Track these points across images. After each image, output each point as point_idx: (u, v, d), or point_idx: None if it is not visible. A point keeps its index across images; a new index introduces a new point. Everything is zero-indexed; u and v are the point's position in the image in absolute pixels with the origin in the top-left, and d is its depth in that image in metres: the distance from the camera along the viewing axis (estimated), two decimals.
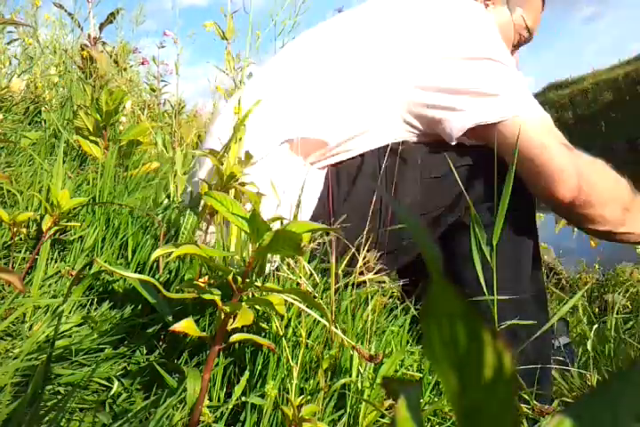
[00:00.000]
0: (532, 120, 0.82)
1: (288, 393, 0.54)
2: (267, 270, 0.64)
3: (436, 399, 0.67)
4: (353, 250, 0.68)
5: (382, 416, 0.57)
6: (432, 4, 0.89)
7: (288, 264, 0.64)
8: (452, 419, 0.64)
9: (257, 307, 0.59)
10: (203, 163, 0.88)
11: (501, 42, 0.89)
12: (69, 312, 0.61)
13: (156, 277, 0.65)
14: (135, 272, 0.50)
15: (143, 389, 0.54)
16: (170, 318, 0.55)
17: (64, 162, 0.92)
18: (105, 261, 0.71)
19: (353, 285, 0.68)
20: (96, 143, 0.97)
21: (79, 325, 0.60)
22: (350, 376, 0.58)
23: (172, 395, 0.49)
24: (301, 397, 0.51)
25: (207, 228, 0.73)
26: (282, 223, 0.59)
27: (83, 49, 1.83)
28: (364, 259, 0.68)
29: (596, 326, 1.01)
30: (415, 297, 0.85)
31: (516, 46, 1.07)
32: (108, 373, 0.54)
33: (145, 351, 0.58)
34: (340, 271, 0.65)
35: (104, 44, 2.14)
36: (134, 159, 1.15)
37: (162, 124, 1.78)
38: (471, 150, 0.87)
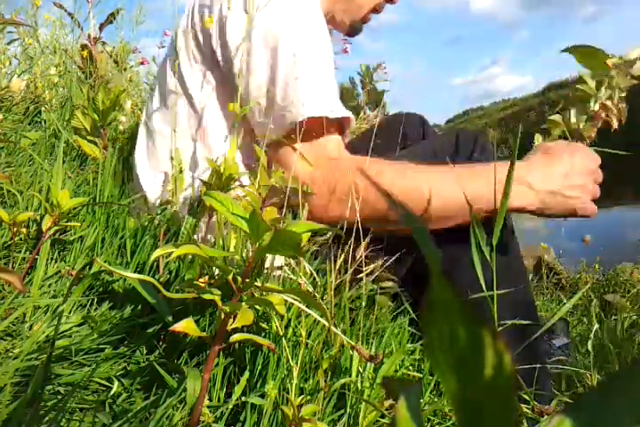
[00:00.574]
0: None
1: (288, 393, 0.54)
2: (272, 270, 0.64)
3: (435, 399, 0.67)
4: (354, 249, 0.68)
5: (382, 416, 0.57)
6: None
7: (289, 264, 0.64)
8: (451, 419, 0.64)
9: (257, 307, 0.59)
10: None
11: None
12: (69, 312, 0.61)
13: (156, 277, 0.65)
14: (135, 272, 0.50)
15: (143, 389, 0.54)
16: (170, 318, 0.55)
17: (64, 162, 0.92)
18: (105, 261, 0.71)
19: (352, 282, 0.68)
20: (94, 143, 0.97)
21: (79, 325, 0.60)
22: (350, 376, 0.58)
23: (172, 395, 0.49)
24: (301, 397, 0.51)
25: (207, 228, 0.73)
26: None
27: (83, 49, 1.83)
28: (359, 257, 0.68)
29: (596, 326, 1.01)
30: (415, 299, 0.85)
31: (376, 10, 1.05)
32: (108, 373, 0.54)
33: (145, 351, 0.58)
34: (335, 269, 0.65)
35: (104, 44, 2.14)
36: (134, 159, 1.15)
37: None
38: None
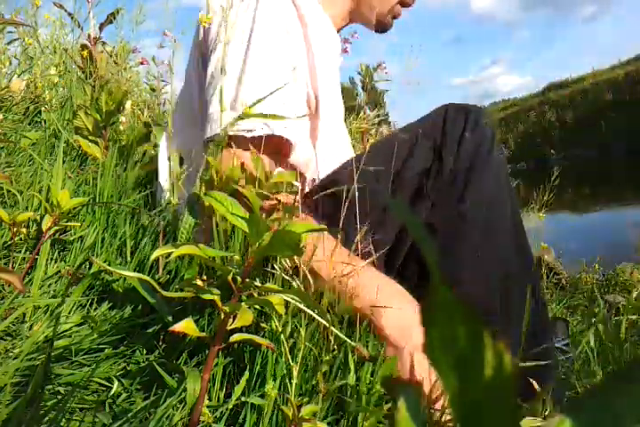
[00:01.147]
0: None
1: (288, 393, 0.54)
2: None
3: None
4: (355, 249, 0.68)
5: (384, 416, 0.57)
6: None
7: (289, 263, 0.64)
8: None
9: (256, 307, 0.59)
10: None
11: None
12: (69, 312, 0.61)
13: (156, 277, 0.65)
14: (135, 272, 0.50)
15: (143, 389, 0.54)
16: (169, 318, 0.55)
17: (64, 162, 0.92)
18: (105, 261, 0.71)
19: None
20: (96, 143, 0.97)
21: (79, 325, 0.60)
22: (349, 375, 0.58)
23: (172, 395, 0.49)
24: (301, 397, 0.51)
25: (206, 227, 0.73)
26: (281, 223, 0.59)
27: (83, 49, 1.83)
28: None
29: (598, 325, 1.01)
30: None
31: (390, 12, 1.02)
32: (108, 373, 0.54)
33: (145, 351, 0.58)
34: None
35: (104, 44, 2.14)
36: (134, 159, 1.15)
37: (163, 125, 1.78)
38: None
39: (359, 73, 2.91)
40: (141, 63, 2.44)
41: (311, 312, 0.57)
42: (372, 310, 0.62)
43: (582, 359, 0.98)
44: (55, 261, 0.70)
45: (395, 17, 1.04)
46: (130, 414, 0.48)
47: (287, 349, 0.56)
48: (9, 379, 0.48)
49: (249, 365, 0.57)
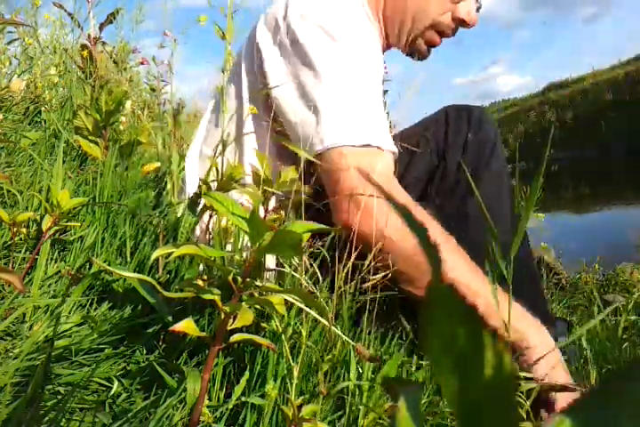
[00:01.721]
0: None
1: (288, 393, 0.54)
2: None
3: (436, 398, 0.67)
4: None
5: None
6: None
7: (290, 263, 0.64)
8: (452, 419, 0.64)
9: (257, 307, 0.59)
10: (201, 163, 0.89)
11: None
12: (69, 312, 0.61)
13: (156, 277, 0.65)
14: (135, 272, 0.50)
15: (143, 389, 0.54)
16: (169, 318, 0.55)
17: (64, 162, 0.92)
18: (105, 261, 0.71)
19: (355, 289, 0.68)
20: (96, 143, 0.97)
21: (79, 325, 0.60)
22: (350, 374, 0.58)
23: (172, 395, 0.49)
24: (301, 397, 0.51)
25: (207, 227, 0.73)
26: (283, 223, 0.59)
27: (83, 49, 1.82)
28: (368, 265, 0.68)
29: (595, 323, 1.01)
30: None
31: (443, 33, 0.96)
32: (108, 373, 0.54)
33: (145, 351, 0.58)
34: (343, 273, 0.65)
35: (104, 44, 2.14)
36: (134, 159, 1.15)
37: (162, 125, 1.78)
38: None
39: None
40: (141, 63, 2.44)
41: (312, 312, 0.57)
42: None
43: (582, 359, 0.98)
44: (55, 261, 0.70)
45: (430, 44, 0.96)
46: (130, 414, 0.48)
47: (288, 349, 0.56)
48: (9, 379, 0.48)
49: (249, 365, 0.57)
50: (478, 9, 0.98)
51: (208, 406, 0.53)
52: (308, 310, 0.56)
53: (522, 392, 0.61)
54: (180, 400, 0.49)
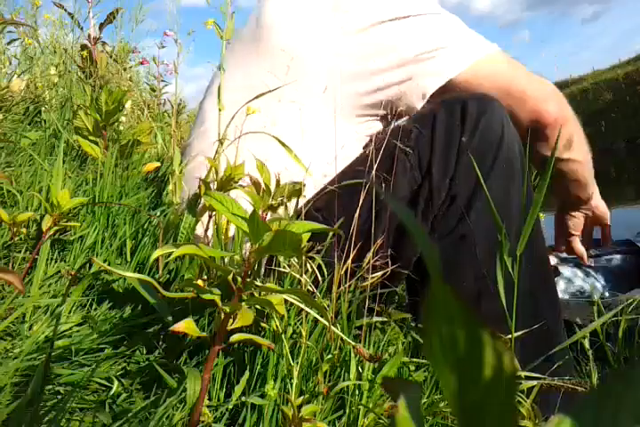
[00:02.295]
0: (492, 57, 0.84)
1: (288, 393, 0.54)
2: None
3: (436, 397, 0.67)
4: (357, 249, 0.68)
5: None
6: None
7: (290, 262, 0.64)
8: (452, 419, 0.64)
9: (257, 307, 0.59)
10: (200, 162, 0.88)
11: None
12: (69, 312, 0.61)
13: (156, 276, 0.65)
14: (135, 272, 0.50)
15: (143, 389, 0.54)
16: (169, 318, 0.55)
17: (64, 162, 0.92)
18: (105, 261, 0.71)
19: (355, 288, 0.68)
20: (96, 143, 0.97)
21: (79, 325, 0.60)
22: (349, 374, 0.58)
23: (172, 395, 0.49)
24: (301, 397, 0.51)
25: (207, 227, 0.73)
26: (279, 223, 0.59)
27: (83, 49, 1.83)
28: (367, 263, 0.68)
29: (593, 325, 1.01)
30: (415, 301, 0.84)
31: None
32: (108, 373, 0.54)
33: (145, 351, 0.58)
34: (342, 272, 0.65)
35: (104, 44, 2.14)
36: (134, 159, 1.15)
37: (162, 124, 1.78)
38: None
39: None
40: (141, 63, 2.44)
41: (312, 312, 0.57)
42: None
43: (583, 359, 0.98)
44: (55, 261, 0.70)
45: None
46: (130, 414, 0.48)
47: (288, 349, 0.56)
48: (9, 379, 0.48)
49: (249, 365, 0.57)
50: None
51: (208, 406, 0.53)
52: (308, 309, 0.56)
53: (522, 392, 0.61)
54: (180, 400, 0.49)
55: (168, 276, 0.67)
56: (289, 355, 0.55)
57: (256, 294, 0.54)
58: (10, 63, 1.66)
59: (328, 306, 0.61)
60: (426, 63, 0.80)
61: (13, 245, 0.66)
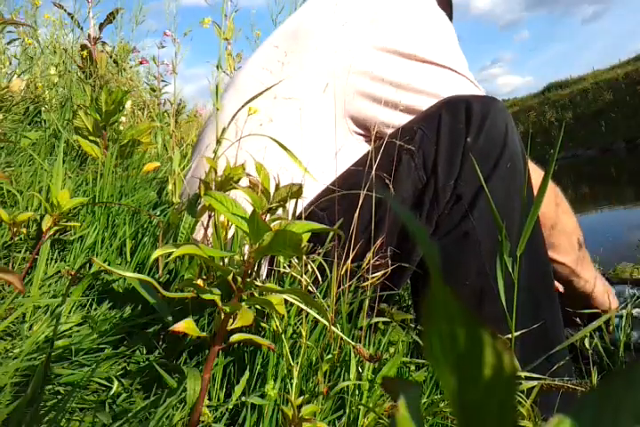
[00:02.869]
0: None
1: (288, 393, 0.54)
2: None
3: (436, 397, 0.67)
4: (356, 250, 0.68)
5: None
6: None
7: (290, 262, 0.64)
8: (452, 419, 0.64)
9: (257, 307, 0.59)
10: (200, 162, 0.88)
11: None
12: (69, 312, 0.61)
13: (156, 276, 0.65)
14: (135, 272, 0.50)
15: (143, 389, 0.54)
16: (169, 318, 0.55)
17: (64, 162, 0.92)
18: (105, 261, 0.71)
19: (356, 288, 0.68)
20: (96, 143, 0.97)
21: (79, 325, 0.60)
22: (349, 374, 0.58)
23: (172, 395, 0.49)
24: (301, 397, 0.51)
25: (206, 227, 0.73)
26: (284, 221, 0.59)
27: (83, 49, 1.83)
28: (368, 263, 0.68)
29: (593, 324, 1.01)
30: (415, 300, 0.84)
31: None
32: (108, 373, 0.54)
33: (145, 351, 0.58)
34: (342, 272, 0.65)
35: (104, 44, 2.14)
36: (134, 159, 1.15)
37: (162, 124, 1.78)
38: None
39: None
40: (141, 63, 2.44)
41: (312, 312, 0.57)
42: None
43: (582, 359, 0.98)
44: (55, 261, 0.70)
45: None
46: (130, 414, 0.48)
47: (288, 349, 0.56)
48: (9, 379, 0.48)
49: (249, 365, 0.57)
50: None
51: (208, 406, 0.53)
52: (308, 309, 0.56)
53: (522, 392, 0.61)
54: (180, 400, 0.49)
55: (168, 276, 0.67)
56: (289, 355, 0.55)
57: (256, 294, 0.54)
58: (10, 63, 1.66)
59: (329, 306, 0.61)
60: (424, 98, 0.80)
61: (13, 245, 0.66)
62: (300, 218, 0.74)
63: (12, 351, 0.53)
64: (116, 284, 0.65)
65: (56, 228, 0.67)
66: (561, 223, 0.92)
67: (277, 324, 0.57)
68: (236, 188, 0.66)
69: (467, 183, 0.72)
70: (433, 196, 0.72)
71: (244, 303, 0.46)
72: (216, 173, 0.68)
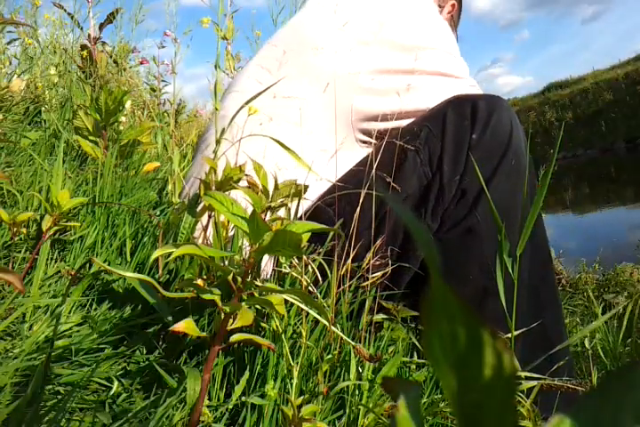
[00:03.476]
0: None
1: (288, 393, 0.54)
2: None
3: (436, 397, 0.67)
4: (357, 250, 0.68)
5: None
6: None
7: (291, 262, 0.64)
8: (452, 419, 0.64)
9: (257, 307, 0.59)
10: (202, 162, 0.88)
11: (450, 33, 0.89)
12: (69, 312, 0.61)
13: (156, 277, 0.65)
14: (135, 272, 0.50)
15: (143, 389, 0.54)
16: (169, 318, 0.55)
17: (64, 162, 0.92)
18: (105, 261, 0.71)
19: (357, 288, 0.68)
20: (96, 143, 0.97)
21: (79, 325, 0.60)
22: (349, 374, 0.58)
23: (172, 395, 0.49)
24: (301, 397, 0.51)
25: (206, 228, 0.73)
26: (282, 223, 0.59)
27: (83, 49, 1.83)
28: (368, 263, 0.68)
29: (593, 324, 1.01)
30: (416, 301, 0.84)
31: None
32: (108, 373, 0.54)
33: (145, 351, 0.58)
34: (342, 272, 0.65)
35: (104, 44, 2.14)
36: (134, 159, 1.15)
37: (162, 124, 1.78)
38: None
39: None
40: (141, 63, 2.44)
41: (312, 312, 0.57)
42: None
43: (582, 358, 0.98)
44: (55, 261, 0.70)
45: None
46: (130, 414, 0.48)
47: (288, 349, 0.56)
48: (9, 379, 0.48)
49: (249, 365, 0.57)
50: None
51: (208, 406, 0.53)
52: (308, 309, 0.56)
53: (522, 392, 0.61)
54: (180, 400, 0.49)
55: (168, 276, 0.67)
56: (289, 355, 0.55)
57: (256, 294, 0.54)
58: (10, 63, 1.66)
59: (329, 306, 0.61)
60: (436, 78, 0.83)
61: (13, 245, 0.66)
62: (306, 214, 0.75)
63: (12, 351, 0.53)
64: (115, 284, 0.65)
65: (56, 228, 0.67)
66: None
67: (277, 324, 0.57)
68: (235, 188, 0.66)
69: (472, 179, 0.73)
70: (438, 191, 0.73)
71: (244, 303, 0.46)
72: (215, 173, 0.68)
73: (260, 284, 0.47)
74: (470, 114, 0.74)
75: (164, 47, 2.34)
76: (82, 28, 1.99)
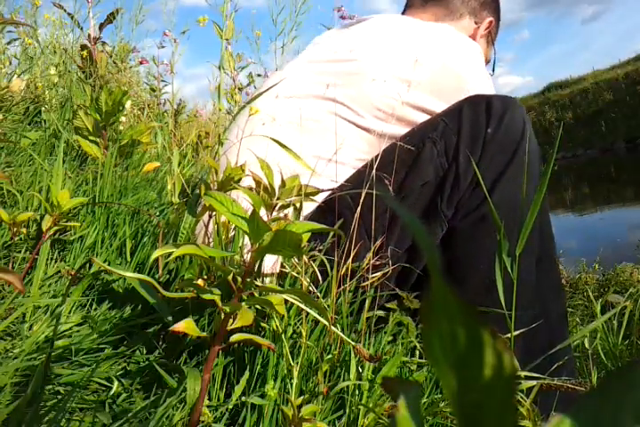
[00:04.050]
0: None
1: (288, 393, 0.54)
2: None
3: (436, 397, 0.67)
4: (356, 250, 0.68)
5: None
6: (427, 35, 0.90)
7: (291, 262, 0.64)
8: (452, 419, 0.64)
9: (257, 307, 0.59)
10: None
11: (488, 78, 0.93)
12: (69, 312, 0.61)
13: (156, 277, 0.65)
14: (135, 272, 0.50)
15: (143, 389, 0.54)
16: (169, 318, 0.55)
17: (64, 162, 0.92)
18: (105, 261, 0.71)
19: (357, 288, 0.68)
20: (96, 143, 0.97)
21: (79, 325, 0.60)
22: (349, 374, 0.58)
23: (172, 395, 0.49)
24: (301, 397, 0.51)
25: (207, 227, 0.73)
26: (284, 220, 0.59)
27: (83, 49, 1.83)
28: (368, 262, 0.68)
29: (594, 324, 1.01)
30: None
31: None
32: (108, 373, 0.54)
33: (145, 351, 0.58)
34: (342, 272, 0.65)
35: (104, 44, 2.14)
36: (134, 159, 1.15)
37: (162, 124, 1.78)
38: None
39: None
40: (141, 63, 2.44)
41: (312, 312, 0.57)
42: None
43: (581, 359, 0.98)
44: (55, 261, 0.70)
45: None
46: (130, 414, 0.48)
47: (288, 349, 0.56)
48: (9, 379, 0.48)
49: (249, 365, 0.57)
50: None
51: (208, 406, 0.53)
52: (308, 309, 0.56)
53: (522, 391, 0.61)
54: (180, 400, 0.49)
55: (168, 276, 0.67)
56: (289, 355, 0.55)
57: (256, 294, 0.54)
58: (10, 63, 1.66)
59: (330, 306, 0.61)
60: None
61: (13, 245, 0.66)
62: (319, 208, 0.76)
63: (12, 351, 0.53)
64: (116, 284, 0.65)
65: (56, 228, 0.67)
66: None
67: (277, 324, 0.57)
68: (236, 188, 0.66)
69: (487, 169, 0.76)
70: (454, 180, 0.77)
71: (244, 303, 0.46)
72: (217, 173, 0.68)
73: (260, 284, 0.47)
74: (485, 111, 0.78)
75: (163, 47, 2.34)
76: (82, 28, 1.99)
